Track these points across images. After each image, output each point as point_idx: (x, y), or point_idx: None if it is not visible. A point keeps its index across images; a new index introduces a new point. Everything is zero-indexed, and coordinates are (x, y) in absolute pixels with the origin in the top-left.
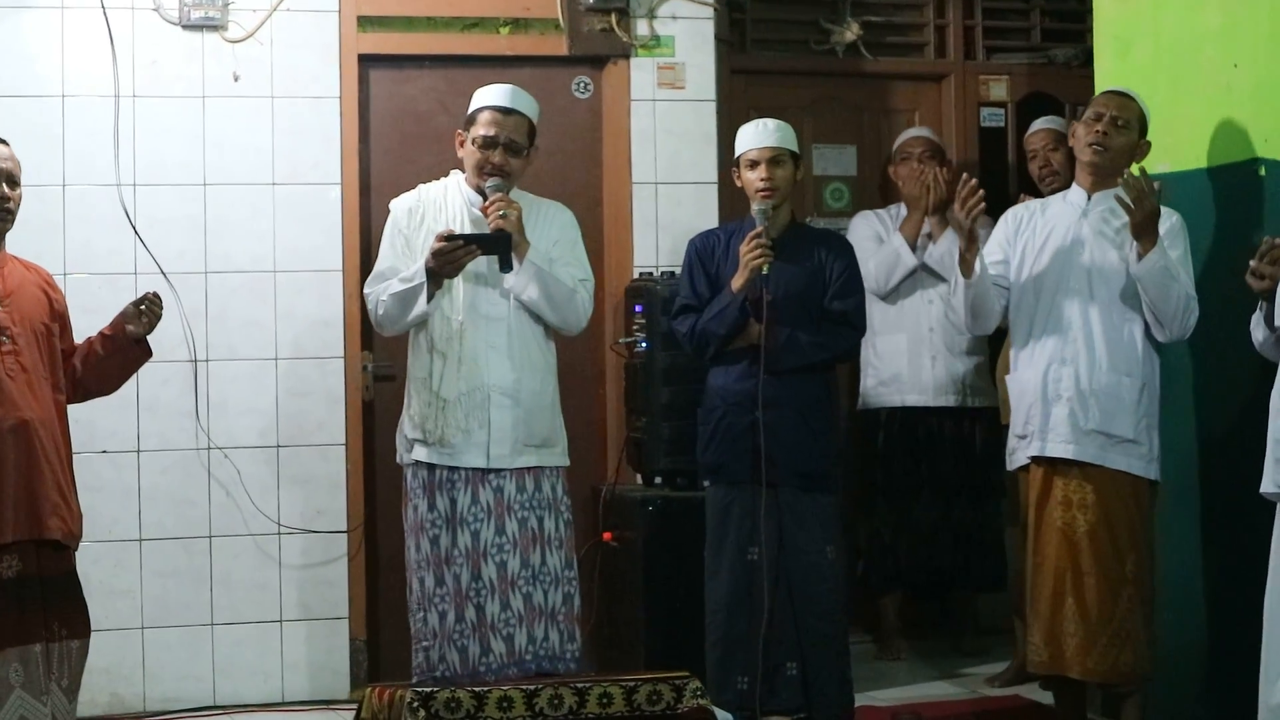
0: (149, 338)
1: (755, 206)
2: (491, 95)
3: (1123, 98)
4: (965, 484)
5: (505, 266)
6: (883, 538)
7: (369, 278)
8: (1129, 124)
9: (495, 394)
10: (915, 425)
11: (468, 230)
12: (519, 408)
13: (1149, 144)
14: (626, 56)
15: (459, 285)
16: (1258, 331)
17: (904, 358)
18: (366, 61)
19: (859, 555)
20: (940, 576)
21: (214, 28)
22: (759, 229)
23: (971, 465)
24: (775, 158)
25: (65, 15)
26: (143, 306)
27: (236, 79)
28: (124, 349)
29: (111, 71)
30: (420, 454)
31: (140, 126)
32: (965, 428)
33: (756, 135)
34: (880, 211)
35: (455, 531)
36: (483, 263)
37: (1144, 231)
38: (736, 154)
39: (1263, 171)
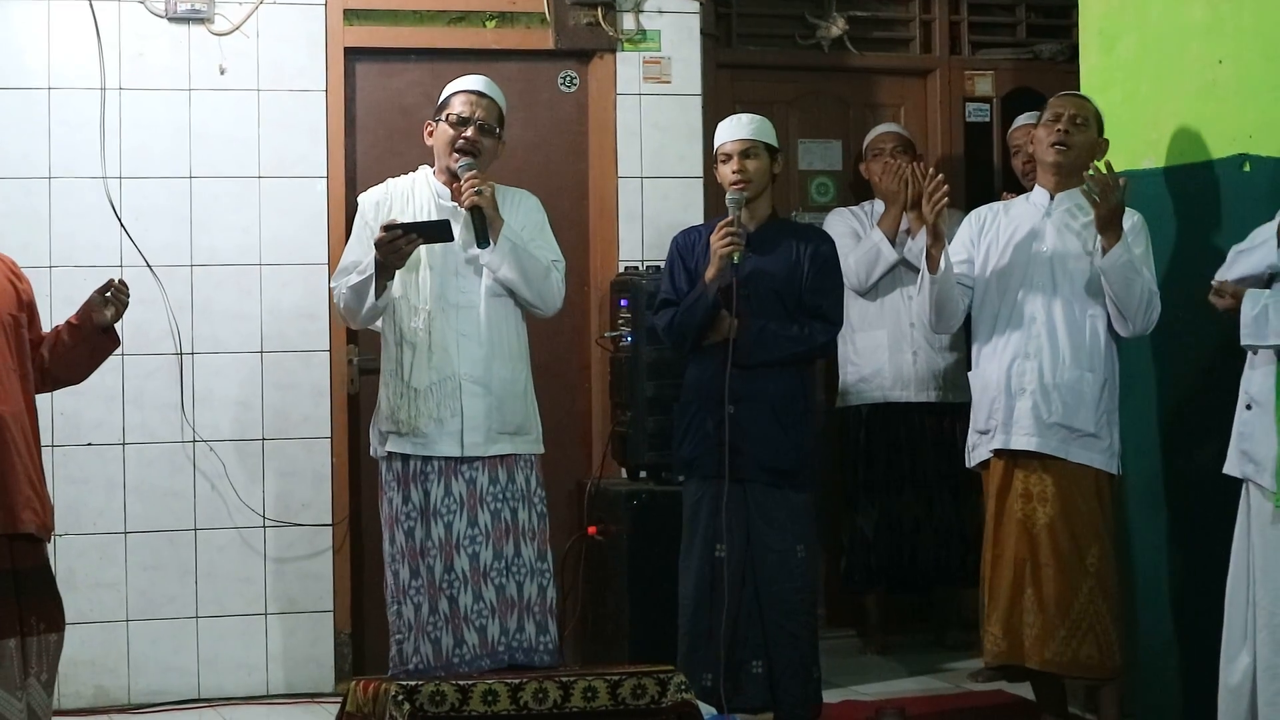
0: (117, 326)
1: (728, 196)
2: (464, 82)
3: (1078, 98)
4: (947, 479)
5: (482, 242)
6: (865, 534)
7: (336, 271)
8: (1087, 122)
9: (466, 382)
10: (897, 421)
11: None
12: (491, 395)
13: (1107, 142)
14: (612, 50)
15: (425, 275)
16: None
17: (885, 353)
18: (352, 55)
19: (842, 552)
20: (923, 572)
21: (200, 20)
22: (730, 218)
23: (953, 460)
24: (747, 150)
25: (51, 7)
26: (109, 294)
27: (223, 72)
28: (91, 338)
29: (98, 64)
30: (394, 445)
31: (126, 119)
32: (946, 423)
33: (730, 129)
34: (855, 209)
35: (429, 523)
36: (449, 253)
37: (1108, 226)
38: (714, 148)
39: (1247, 167)
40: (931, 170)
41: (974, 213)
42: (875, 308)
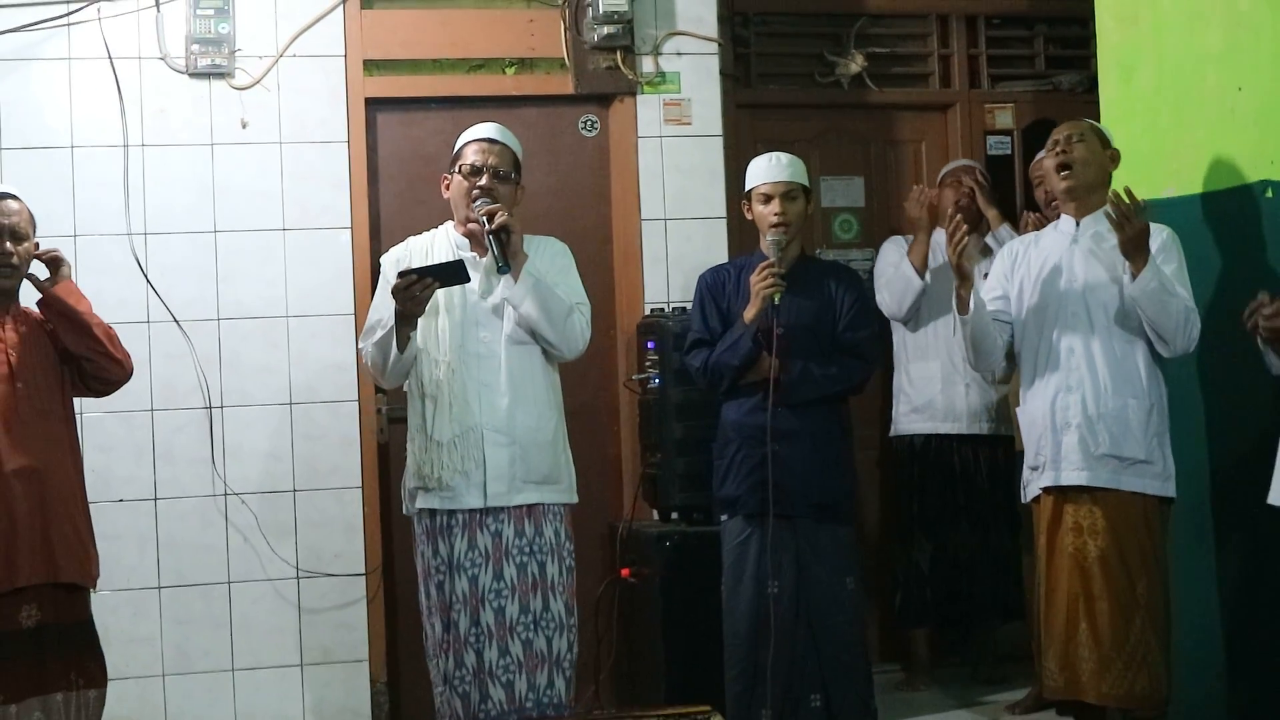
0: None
1: (769, 238)
2: (475, 131)
3: (1073, 122)
4: (1001, 512)
5: (504, 265)
6: (920, 569)
7: (362, 332)
8: (1084, 135)
9: (488, 432)
10: (950, 454)
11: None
12: (515, 444)
13: (1118, 152)
14: (632, 94)
15: (444, 326)
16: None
17: (937, 384)
18: (373, 105)
19: (896, 588)
20: (975, 606)
21: (221, 75)
22: (771, 260)
23: (1008, 494)
24: (788, 192)
25: (73, 66)
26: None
27: (244, 125)
28: (55, 315)
29: (120, 121)
30: (423, 501)
31: (150, 175)
32: (1000, 456)
33: (769, 169)
34: (906, 238)
35: (454, 577)
36: (469, 303)
37: (1134, 250)
38: (747, 188)
39: (1270, 194)
40: (951, 210)
41: (1006, 247)
42: (930, 338)
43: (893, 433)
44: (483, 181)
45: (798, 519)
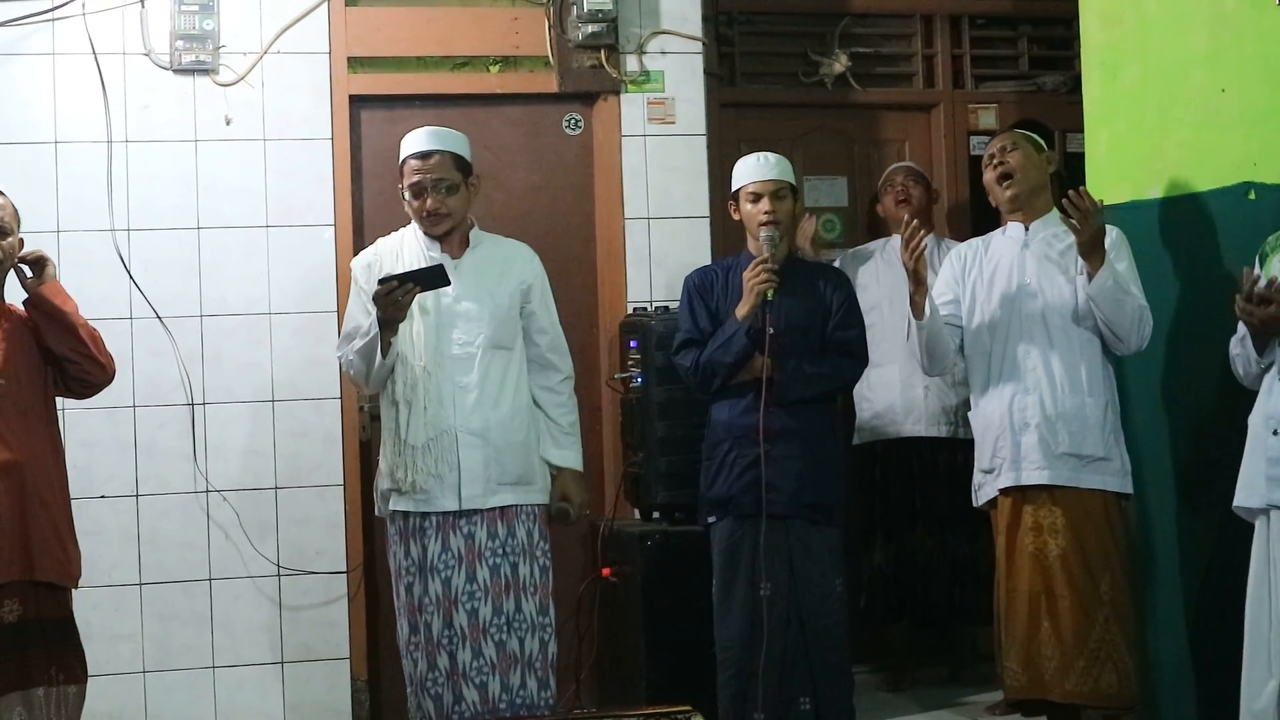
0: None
1: (762, 233)
2: (409, 144)
3: (1000, 134)
4: (960, 514)
5: (444, 281)
6: (882, 570)
7: (340, 340)
8: (1016, 144)
9: (463, 434)
10: (910, 456)
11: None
12: (489, 446)
13: (1054, 154)
14: (616, 92)
15: (419, 331)
16: (1241, 364)
17: (896, 389)
18: (358, 102)
19: (861, 589)
20: (937, 608)
21: (205, 72)
22: (765, 255)
23: (967, 495)
24: (778, 191)
25: (57, 62)
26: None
27: (229, 122)
28: (41, 314)
29: (104, 117)
30: (396, 504)
31: (133, 171)
32: (959, 458)
33: (759, 168)
34: (870, 245)
35: (427, 579)
36: (442, 307)
37: (1092, 250)
38: (735, 187)
39: (1252, 195)
40: (906, 216)
41: (954, 251)
42: (886, 344)
43: (857, 440)
44: (429, 204)
45: (790, 520)
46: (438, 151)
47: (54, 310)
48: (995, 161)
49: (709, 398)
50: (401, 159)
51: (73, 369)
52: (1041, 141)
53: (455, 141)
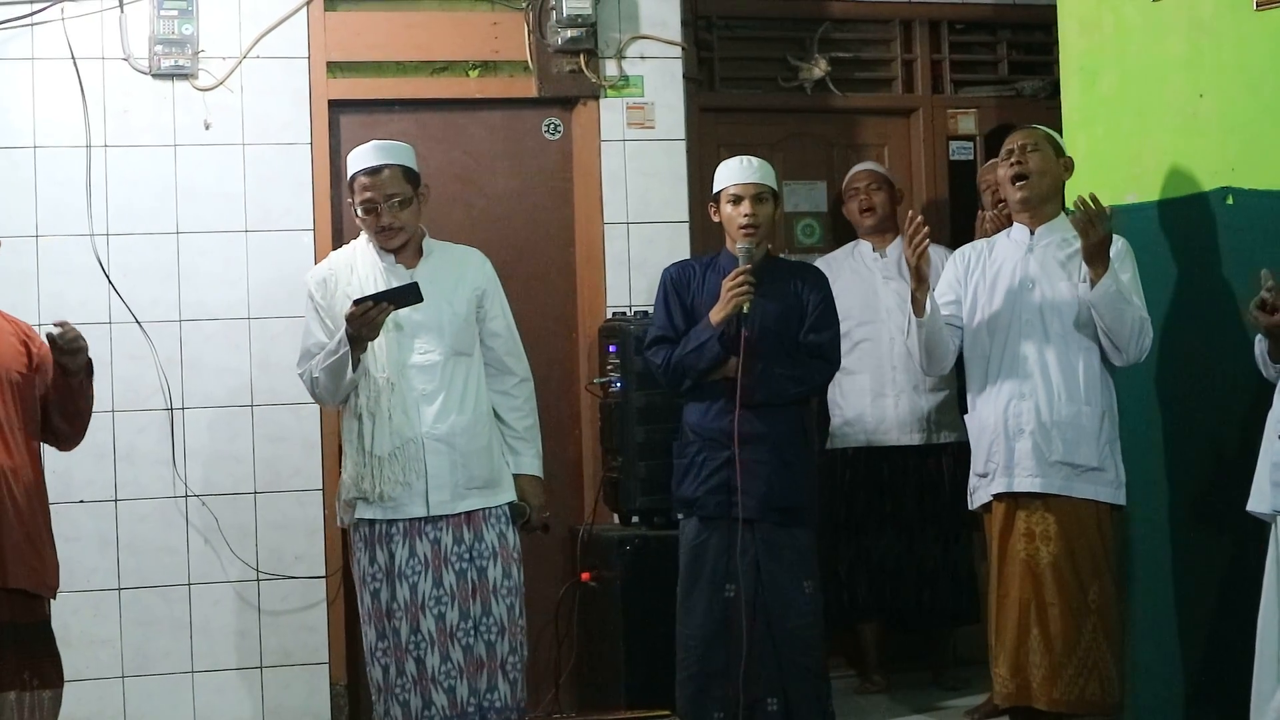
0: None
1: (740, 245)
2: (356, 160)
3: (1026, 129)
4: (931, 520)
5: (417, 298)
6: (839, 574)
7: (299, 357)
8: (1038, 145)
9: (429, 441)
10: (879, 463)
11: (380, 289)
12: (455, 452)
13: (1071, 160)
14: (596, 97)
15: (381, 342)
16: (1261, 365)
17: (867, 397)
18: (336, 107)
19: (827, 590)
20: (905, 611)
21: (184, 76)
22: (746, 266)
23: (939, 501)
24: (759, 194)
25: (35, 66)
26: (61, 343)
27: (208, 127)
28: (65, 387)
29: (83, 121)
30: (362, 512)
31: (112, 176)
32: (931, 464)
33: (741, 171)
34: (839, 251)
35: (394, 585)
36: (403, 316)
37: (1096, 257)
38: (716, 189)
39: (1231, 200)
40: (911, 212)
41: (958, 252)
42: (857, 351)
43: (828, 445)
44: (383, 221)
45: (759, 522)
46: (386, 165)
47: (82, 408)
48: (1013, 160)
49: (680, 398)
50: (350, 175)
51: (50, 427)
52: (1062, 144)
53: (402, 154)
